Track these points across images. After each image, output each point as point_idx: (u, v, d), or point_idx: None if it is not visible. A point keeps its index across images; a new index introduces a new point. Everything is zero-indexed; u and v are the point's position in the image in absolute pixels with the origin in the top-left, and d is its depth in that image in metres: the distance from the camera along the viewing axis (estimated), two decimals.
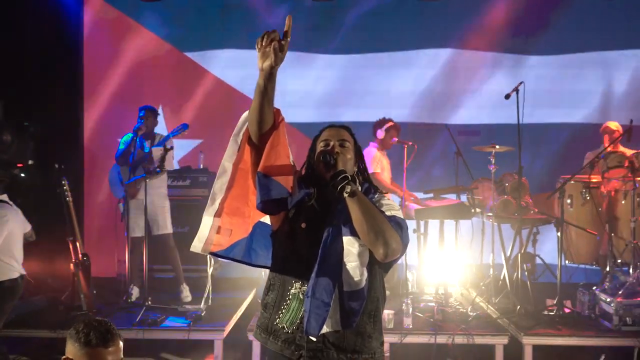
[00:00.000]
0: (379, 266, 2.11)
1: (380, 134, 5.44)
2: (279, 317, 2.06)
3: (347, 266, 2.00)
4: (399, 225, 2.05)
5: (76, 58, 7.10)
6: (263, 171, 2.05)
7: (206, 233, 2.21)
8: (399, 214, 2.13)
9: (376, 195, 2.20)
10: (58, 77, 6.81)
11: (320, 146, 2.18)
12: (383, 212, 2.06)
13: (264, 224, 2.21)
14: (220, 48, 7.11)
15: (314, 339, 1.99)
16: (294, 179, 2.08)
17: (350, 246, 2.01)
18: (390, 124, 5.46)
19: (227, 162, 2.21)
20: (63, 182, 5.13)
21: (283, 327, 2.05)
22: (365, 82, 7.04)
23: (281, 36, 1.94)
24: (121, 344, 1.95)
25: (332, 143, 2.16)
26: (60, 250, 5.62)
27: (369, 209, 1.99)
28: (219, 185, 2.20)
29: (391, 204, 2.16)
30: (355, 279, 1.99)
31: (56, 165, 6.10)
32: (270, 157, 2.06)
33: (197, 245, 2.21)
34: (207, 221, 2.21)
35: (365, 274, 2.02)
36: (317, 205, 2.10)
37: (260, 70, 1.97)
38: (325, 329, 1.98)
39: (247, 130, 2.15)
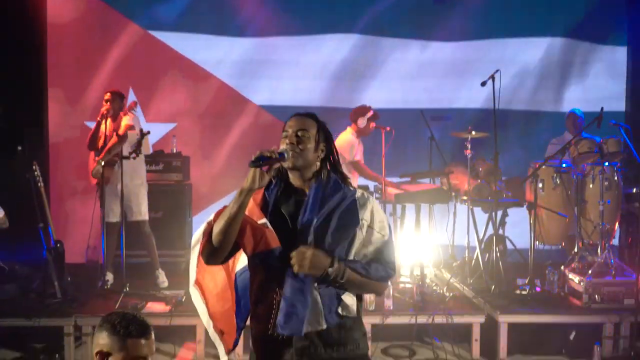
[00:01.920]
0: None
1: (362, 122, 5.46)
2: (271, 327, 2.10)
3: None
4: (389, 266, 2.16)
5: (39, 38, 6.82)
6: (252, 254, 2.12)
7: (219, 343, 2.35)
8: (385, 238, 2.16)
9: (347, 198, 2.16)
10: (19, 58, 6.55)
11: (282, 136, 2.19)
12: (370, 261, 2.13)
13: (240, 272, 2.28)
14: (193, 32, 6.98)
15: (301, 337, 2.07)
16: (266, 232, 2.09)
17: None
18: (372, 112, 5.51)
19: (191, 288, 2.33)
20: (34, 167, 4.97)
21: (277, 335, 2.09)
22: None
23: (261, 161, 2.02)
24: (153, 336, 1.98)
25: (290, 133, 2.17)
26: (28, 237, 5.45)
27: (360, 285, 2.11)
28: (200, 311, 2.36)
29: (381, 226, 2.17)
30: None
31: (19, 148, 5.88)
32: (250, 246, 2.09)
33: (222, 355, 2.34)
34: (214, 336, 2.36)
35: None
36: (284, 211, 2.14)
37: (247, 190, 2.01)
38: (307, 328, 2.06)
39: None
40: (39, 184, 5.00)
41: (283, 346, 2.09)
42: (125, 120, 5.29)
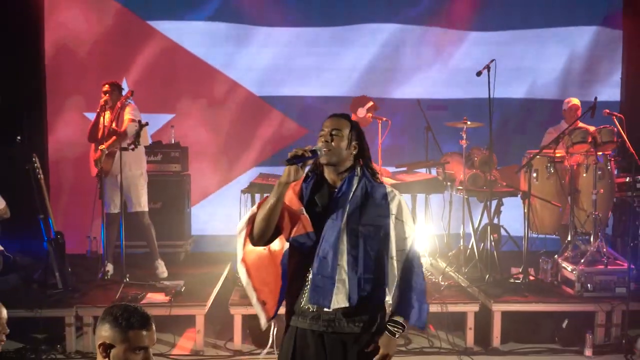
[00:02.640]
0: (389, 257, 2.41)
1: (362, 112, 5.50)
2: (303, 301, 2.40)
3: (345, 254, 2.35)
4: (419, 261, 2.48)
5: (36, 27, 6.82)
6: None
7: (261, 312, 2.51)
8: (410, 228, 2.45)
9: (378, 193, 2.43)
10: (17, 47, 6.55)
11: (319, 134, 2.44)
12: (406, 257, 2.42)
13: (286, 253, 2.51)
14: (189, 20, 6.99)
15: (329, 311, 2.35)
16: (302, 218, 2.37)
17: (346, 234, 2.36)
18: (371, 103, 5.54)
19: (239, 265, 2.52)
20: (34, 159, 5.02)
21: (308, 308, 2.40)
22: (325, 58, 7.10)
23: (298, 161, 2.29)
24: (154, 327, 2.07)
25: (325, 132, 2.42)
26: (28, 228, 5.52)
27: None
28: (245, 284, 2.54)
29: (403, 214, 2.44)
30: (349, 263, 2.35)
31: (18, 138, 5.91)
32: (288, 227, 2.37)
33: (263, 323, 2.53)
34: (257, 306, 2.52)
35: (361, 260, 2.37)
36: (318, 200, 2.42)
37: (283, 184, 2.29)
38: (335, 304, 2.32)
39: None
40: (39, 176, 5.04)
41: (313, 319, 2.38)
42: (127, 114, 5.30)
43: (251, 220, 2.38)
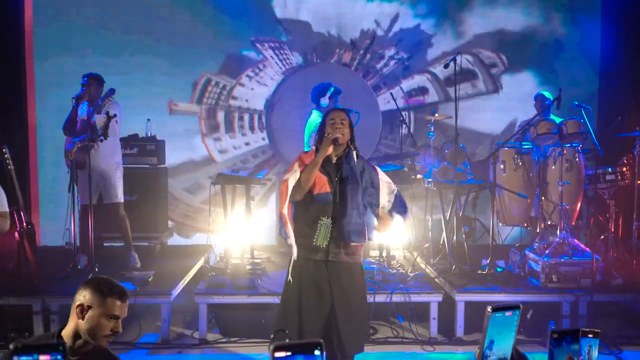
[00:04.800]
0: (379, 208, 3.42)
1: (324, 101, 5.44)
2: (315, 240, 3.32)
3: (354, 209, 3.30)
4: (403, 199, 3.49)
5: (15, 14, 6.86)
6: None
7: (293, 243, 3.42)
8: (392, 184, 3.47)
9: (367, 169, 3.39)
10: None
11: (329, 124, 3.34)
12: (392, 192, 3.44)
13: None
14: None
15: (336, 248, 3.33)
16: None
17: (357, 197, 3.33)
18: (332, 89, 5.43)
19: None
20: (4, 149, 5.08)
21: (319, 245, 3.33)
22: None
23: None
24: (128, 302, 2.31)
25: (337, 121, 3.32)
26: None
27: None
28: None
29: (382, 174, 3.45)
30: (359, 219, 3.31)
31: None
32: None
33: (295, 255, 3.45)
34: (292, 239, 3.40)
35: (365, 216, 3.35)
36: (326, 169, 3.34)
37: (329, 143, 3.27)
38: (349, 240, 3.31)
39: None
40: (10, 167, 5.10)
41: (320, 252, 3.33)
42: (110, 111, 5.33)
43: (295, 185, 3.28)
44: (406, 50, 7.29)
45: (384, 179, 3.42)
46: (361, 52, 7.37)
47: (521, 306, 1.36)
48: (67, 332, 2.26)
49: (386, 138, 7.20)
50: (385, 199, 3.40)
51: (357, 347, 3.47)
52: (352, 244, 3.32)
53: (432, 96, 7.23)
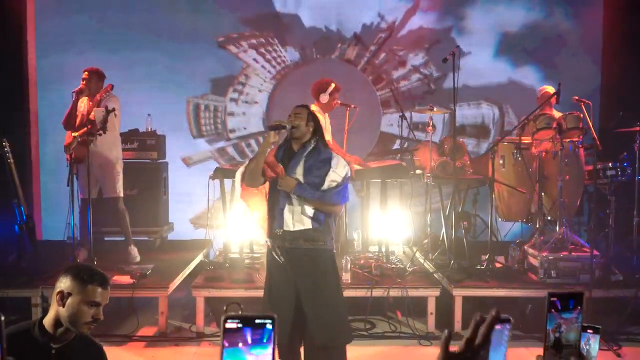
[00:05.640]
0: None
1: (324, 98, 5.42)
2: (275, 226, 3.46)
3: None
4: (338, 194, 3.42)
5: (16, 9, 6.85)
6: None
7: (262, 231, 3.66)
8: (339, 177, 3.41)
9: (324, 157, 3.44)
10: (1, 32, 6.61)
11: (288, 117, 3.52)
12: (325, 189, 3.39)
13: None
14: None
15: (293, 235, 3.41)
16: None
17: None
18: (333, 86, 5.45)
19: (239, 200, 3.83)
20: (4, 143, 5.10)
21: (277, 232, 3.45)
22: None
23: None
24: (109, 289, 2.30)
25: (291, 114, 3.49)
26: (4, 213, 5.61)
27: (315, 203, 3.41)
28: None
29: (337, 168, 3.41)
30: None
31: None
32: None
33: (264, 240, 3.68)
34: (261, 228, 3.69)
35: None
36: (284, 159, 3.47)
37: (271, 139, 3.43)
38: (288, 227, 3.40)
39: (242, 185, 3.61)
40: (9, 160, 5.13)
41: (280, 238, 3.42)
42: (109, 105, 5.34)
43: (245, 170, 3.48)
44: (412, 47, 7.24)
45: (334, 170, 3.41)
46: (372, 48, 7.31)
47: (512, 320, 1.28)
48: (48, 320, 2.25)
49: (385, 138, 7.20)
50: (326, 185, 3.40)
51: (332, 337, 3.41)
52: (293, 229, 3.39)
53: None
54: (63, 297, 2.21)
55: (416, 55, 7.31)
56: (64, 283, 2.23)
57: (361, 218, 5.99)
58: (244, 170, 3.52)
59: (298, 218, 3.39)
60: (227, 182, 5.70)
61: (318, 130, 3.50)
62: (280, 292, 3.46)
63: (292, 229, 3.40)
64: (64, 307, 2.21)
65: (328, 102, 5.34)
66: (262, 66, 7.38)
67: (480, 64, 7.10)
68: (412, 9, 7.21)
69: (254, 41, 7.33)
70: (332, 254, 3.54)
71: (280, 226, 3.41)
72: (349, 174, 3.50)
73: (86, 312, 2.21)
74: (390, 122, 7.14)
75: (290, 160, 3.46)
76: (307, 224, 3.40)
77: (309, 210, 3.40)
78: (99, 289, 2.23)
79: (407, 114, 5.97)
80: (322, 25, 7.29)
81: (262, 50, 7.36)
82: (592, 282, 4.75)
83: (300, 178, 3.38)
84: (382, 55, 7.34)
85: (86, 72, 5.46)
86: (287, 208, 3.39)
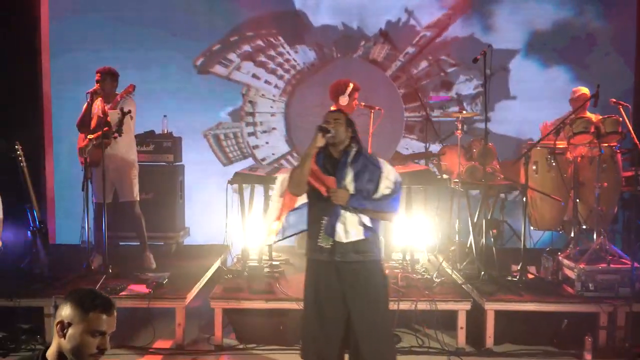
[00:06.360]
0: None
1: (344, 100, 5.15)
2: (319, 239, 3.25)
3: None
4: (395, 201, 3.29)
5: (30, 8, 6.71)
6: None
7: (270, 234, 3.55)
8: (391, 182, 3.26)
9: (370, 162, 3.27)
10: (10, 29, 6.45)
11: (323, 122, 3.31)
12: (379, 196, 3.24)
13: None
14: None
15: (342, 247, 3.22)
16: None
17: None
18: (351, 86, 5.19)
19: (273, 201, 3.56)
20: (17, 147, 4.94)
21: (323, 245, 3.25)
22: None
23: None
24: (116, 314, 2.09)
25: (330, 120, 3.29)
26: (17, 217, 5.45)
27: (368, 211, 3.25)
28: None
29: (389, 173, 3.27)
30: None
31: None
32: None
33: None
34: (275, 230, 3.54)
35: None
36: (327, 167, 3.29)
37: (319, 143, 3.22)
38: (341, 239, 3.21)
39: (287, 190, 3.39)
40: (22, 164, 4.97)
41: (328, 252, 3.23)
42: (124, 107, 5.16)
43: (290, 177, 3.28)
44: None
45: (386, 176, 3.28)
46: (408, 50, 6.99)
47: None
48: (51, 353, 2.04)
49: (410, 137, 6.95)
50: (380, 193, 3.26)
51: (381, 354, 3.29)
52: (346, 241, 3.21)
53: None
54: (63, 327, 2.01)
55: (467, 81, 6.92)
56: (64, 311, 2.03)
57: (384, 223, 5.73)
58: (289, 177, 3.32)
59: (352, 229, 3.21)
60: (246, 187, 5.50)
61: (355, 134, 3.34)
62: (331, 308, 3.25)
63: (344, 241, 3.21)
64: (65, 338, 2.00)
65: (348, 103, 5.08)
66: (267, 81, 7.12)
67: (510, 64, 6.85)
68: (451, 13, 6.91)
69: (248, 48, 7.06)
70: (382, 265, 3.37)
71: (329, 238, 3.21)
72: (400, 179, 3.33)
73: (90, 343, 2.00)
74: (407, 145, 6.88)
75: (334, 168, 3.28)
76: (361, 235, 3.23)
77: (364, 219, 3.24)
78: (103, 316, 2.03)
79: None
80: (340, 21, 7.02)
81: (262, 58, 7.07)
82: (632, 296, 4.49)
83: (350, 186, 3.22)
84: (423, 64, 7.03)
85: (98, 74, 5.28)
86: (339, 219, 3.20)
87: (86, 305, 2.01)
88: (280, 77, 7.16)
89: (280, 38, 7.10)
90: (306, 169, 3.21)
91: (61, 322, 2.01)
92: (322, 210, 3.24)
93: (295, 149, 7.02)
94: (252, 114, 7.14)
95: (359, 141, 3.34)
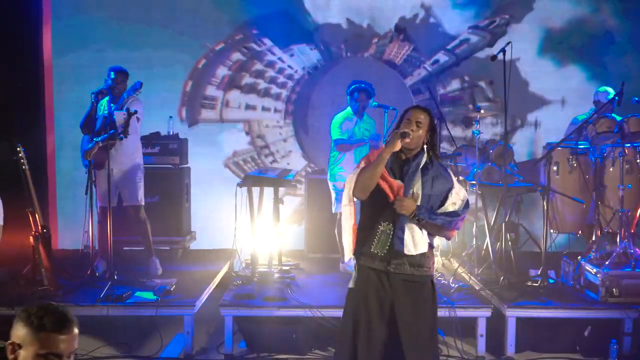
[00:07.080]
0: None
1: (353, 100, 4.99)
2: (373, 245, 3.03)
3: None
4: (461, 220, 3.06)
5: (33, 7, 6.57)
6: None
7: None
8: (460, 200, 3.03)
9: (442, 174, 3.04)
10: (11, 31, 6.28)
11: (404, 122, 3.05)
12: (443, 209, 3.00)
13: None
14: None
15: (398, 257, 3.00)
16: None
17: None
18: (354, 87, 5.04)
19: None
20: (18, 149, 4.78)
21: (377, 252, 3.03)
22: None
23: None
24: (76, 331, 1.80)
25: (411, 120, 3.02)
26: (19, 222, 5.29)
27: (434, 228, 3.04)
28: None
29: (460, 189, 3.07)
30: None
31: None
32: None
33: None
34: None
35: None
36: (393, 170, 3.04)
37: (397, 137, 2.94)
38: (406, 250, 2.97)
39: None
40: (24, 167, 4.80)
41: (377, 260, 3.03)
42: (131, 108, 5.00)
43: (357, 179, 3.01)
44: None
45: (457, 192, 3.06)
46: (439, 58, 6.63)
47: None
48: None
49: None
50: (446, 208, 3.03)
51: None
52: (409, 253, 2.99)
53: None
54: (14, 349, 1.76)
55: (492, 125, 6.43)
56: (17, 330, 1.77)
57: None
58: (356, 180, 3.03)
59: (420, 241, 2.99)
60: (255, 190, 5.33)
61: (433, 140, 3.10)
62: (379, 322, 3.03)
63: (413, 253, 2.98)
64: None
65: (351, 105, 4.92)
66: (264, 107, 6.75)
67: (523, 63, 6.67)
68: None
69: (228, 71, 6.70)
70: (433, 281, 3.16)
71: (385, 246, 2.99)
72: (467, 197, 3.12)
73: None
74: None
75: (400, 171, 3.04)
76: (425, 247, 3.03)
77: (425, 233, 3.05)
78: (58, 336, 1.76)
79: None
80: (345, 17, 6.81)
81: (248, 79, 6.66)
82: None
83: (418, 196, 2.99)
84: (455, 84, 6.68)
85: (113, 72, 5.10)
86: (406, 230, 2.96)
87: (35, 324, 1.75)
88: (277, 98, 6.76)
89: (266, 41, 6.76)
90: (377, 173, 2.96)
91: (12, 344, 1.77)
92: (380, 215, 3.02)
93: (310, 164, 6.67)
94: (267, 146, 6.81)
95: (435, 147, 3.11)
